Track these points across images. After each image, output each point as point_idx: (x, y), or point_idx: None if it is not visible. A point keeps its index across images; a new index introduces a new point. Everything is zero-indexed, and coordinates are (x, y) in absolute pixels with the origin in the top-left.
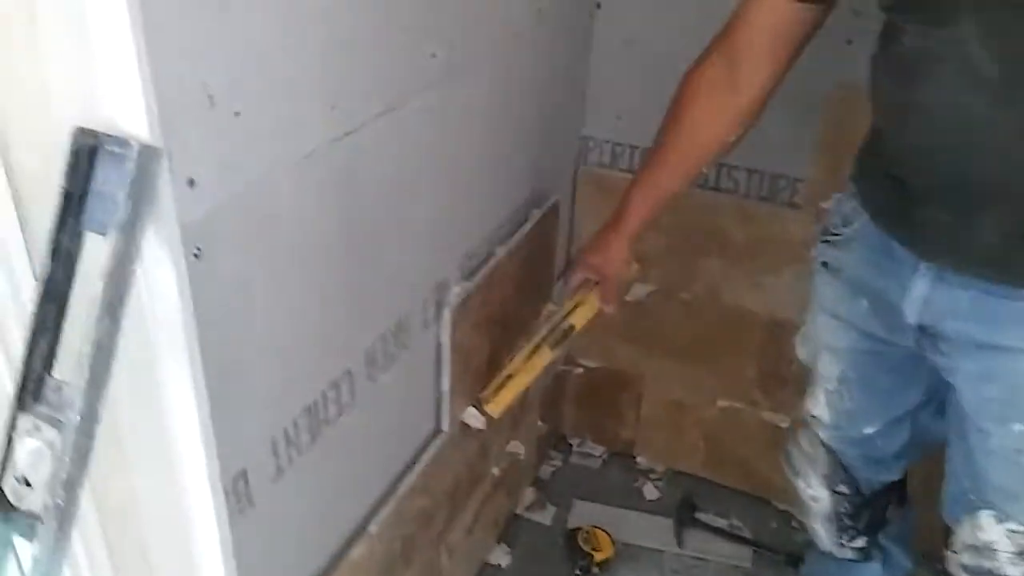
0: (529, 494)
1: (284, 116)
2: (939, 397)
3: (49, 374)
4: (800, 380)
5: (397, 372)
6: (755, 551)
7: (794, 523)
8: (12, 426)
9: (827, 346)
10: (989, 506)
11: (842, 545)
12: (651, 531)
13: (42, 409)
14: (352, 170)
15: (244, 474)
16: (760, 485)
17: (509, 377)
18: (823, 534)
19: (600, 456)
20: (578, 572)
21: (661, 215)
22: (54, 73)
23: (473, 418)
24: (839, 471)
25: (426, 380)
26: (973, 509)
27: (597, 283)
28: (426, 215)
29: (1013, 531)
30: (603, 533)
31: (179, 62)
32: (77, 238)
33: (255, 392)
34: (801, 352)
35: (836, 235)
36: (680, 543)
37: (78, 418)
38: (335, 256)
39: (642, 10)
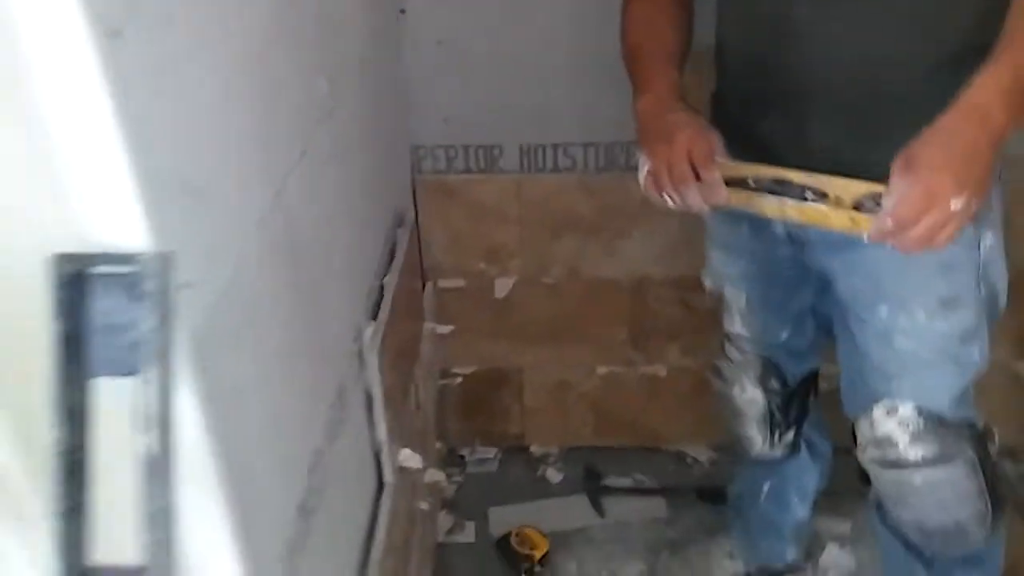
0: (444, 519)
1: (235, 185)
2: (828, 291)
3: (87, 564)
4: (667, 328)
5: (345, 438)
6: (667, 498)
7: (687, 460)
8: None
9: (726, 276)
10: (876, 397)
11: (774, 444)
12: (570, 513)
13: None
14: (289, 229)
15: None
16: (649, 436)
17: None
18: (757, 436)
19: (495, 458)
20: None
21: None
22: (10, 191)
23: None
24: (771, 368)
25: (363, 435)
26: (867, 405)
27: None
28: (339, 261)
29: (902, 419)
30: (533, 531)
31: (156, 151)
32: (83, 389)
33: (265, 508)
34: (707, 284)
35: None
36: (601, 514)
37: None
38: (294, 330)
39: (447, 11)
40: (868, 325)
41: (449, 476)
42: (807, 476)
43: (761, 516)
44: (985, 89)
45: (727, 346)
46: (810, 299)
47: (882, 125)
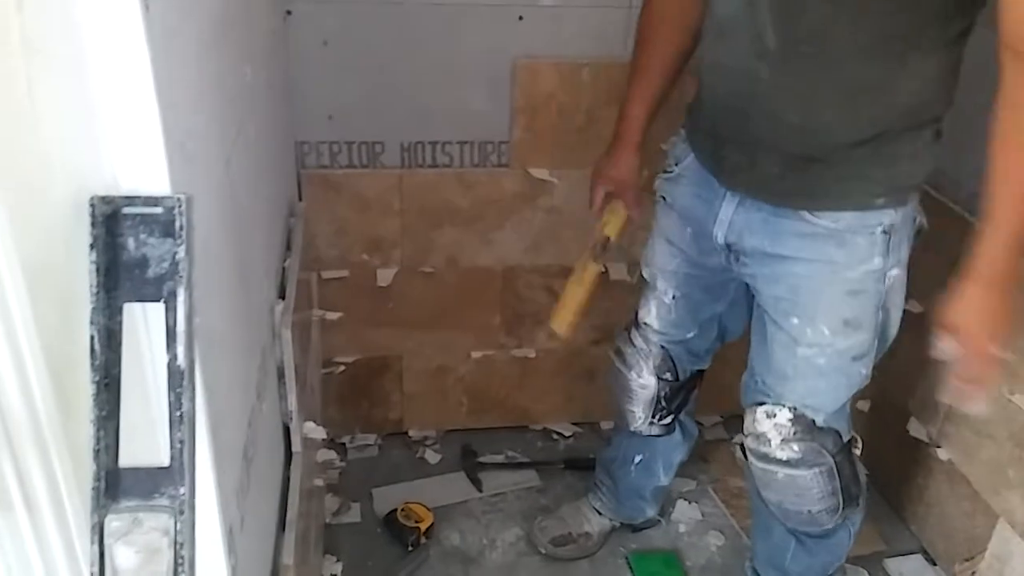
0: (330, 501)
1: (205, 151)
2: (738, 307)
3: (119, 466)
4: (535, 313)
5: (266, 401)
6: (538, 470)
7: (554, 435)
8: (100, 534)
9: (661, 268)
10: (765, 398)
11: (652, 423)
12: (450, 489)
13: (129, 503)
14: (233, 197)
15: (230, 530)
16: (518, 415)
17: (564, 301)
18: (640, 415)
19: (375, 444)
20: (410, 547)
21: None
22: (54, 142)
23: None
24: (667, 362)
25: (275, 406)
26: (753, 403)
27: (616, 195)
28: (258, 237)
29: (777, 424)
30: (418, 505)
31: (171, 112)
32: (119, 313)
33: (227, 441)
34: (644, 272)
35: (669, 172)
36: (479, 488)
37: (186, 492)
38: (238, 292)
39: (332, 13)
40: (780, 331)
41: (330, 464)
42: (675, 452)
43: (629, 482)
44: (990, 261)
45: (634, 332)
46: (721, 309)
47: (820, 169)
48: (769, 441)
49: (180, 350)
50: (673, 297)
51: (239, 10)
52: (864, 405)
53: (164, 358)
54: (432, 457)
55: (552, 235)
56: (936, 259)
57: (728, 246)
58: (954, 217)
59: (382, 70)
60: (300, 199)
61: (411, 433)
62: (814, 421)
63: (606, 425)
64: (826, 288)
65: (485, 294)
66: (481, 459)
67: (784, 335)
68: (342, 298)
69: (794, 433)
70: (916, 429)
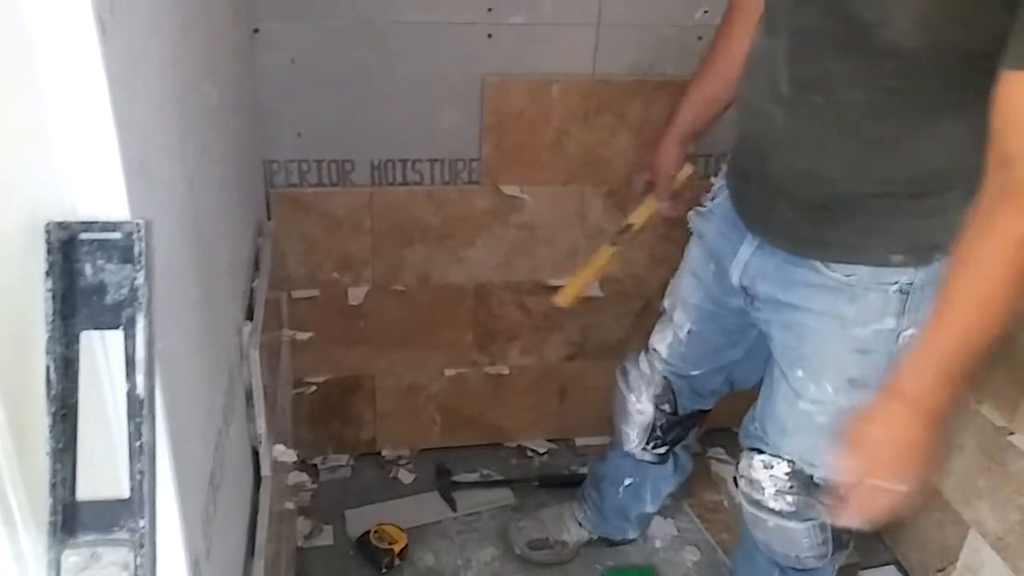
0: (302, 524)
1: (165, 172)
2: (754, 357)
3: (77, 499)
4: (508, 330)
5: (234, 425)
6: (512, 488)
7: (528, 453)
8: (57, 569)
9: (683, 300)
10: (764, 446)
11: (645, 450)
12: (424, 509)
13: (87, 537)
14: (197, 217)
15: (196, 561)
16: (491, 433)
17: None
18: (634, 438)
19: (347, 464)
20: (384, 569)
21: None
22: (7, 165)
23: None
24: (668, 394)
25: (243, 430)
26: (752, 447)
27: (652, 184)
28: (225, 257)
29: (773, 476)
30: (392, 526)
31: (130, 134)
32: (76, 341)
33: (192, 467)
34: (665, 302)
35: (703, 207)
36: (454, 508)
37: (146, 525)
38: (202, 314)
39: (299, 32)
40: (784, 381)
41: (302, 487)
42: (665, 483)
43: (615, 502)
44: (915, 381)
45: (642, 356)
46: (735, 358)
47: (834, 220)
48: (763, 490)
49: (140, 379)
50: (688, 332)
51: (201, 28)
52: None
53: (123, 387)
54: (406, 477)
55: (524, 252)
56: None
57: (744, 289)
58: None
59: (351, 88)
60: (269, 218)
61: (384, 453)
62: (812, 477)
63: (581, 441)
64: (832, 343)
65: (457, 312)
66: (455, 478)
67: (787, 387)
68: (312, 317)
69: (790, 487)
70: None
